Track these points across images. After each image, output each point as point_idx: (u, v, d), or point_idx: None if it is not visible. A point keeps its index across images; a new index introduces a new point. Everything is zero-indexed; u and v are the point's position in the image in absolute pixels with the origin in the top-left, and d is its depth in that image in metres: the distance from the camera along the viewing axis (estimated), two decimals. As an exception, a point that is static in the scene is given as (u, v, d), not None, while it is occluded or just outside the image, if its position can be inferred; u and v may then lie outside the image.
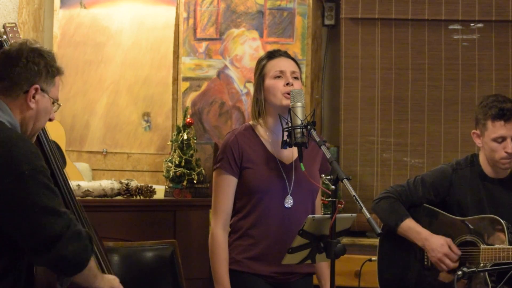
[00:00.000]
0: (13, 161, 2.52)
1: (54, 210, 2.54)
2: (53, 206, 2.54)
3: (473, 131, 3.70)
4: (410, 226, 3.67)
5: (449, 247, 3.60)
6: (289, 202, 3.30)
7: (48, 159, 2.92)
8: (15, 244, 2.57)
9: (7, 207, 2.51)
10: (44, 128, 2.95)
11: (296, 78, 3.32)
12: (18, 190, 2.51)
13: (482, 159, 3.70)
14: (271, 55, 3.38)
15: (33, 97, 2.68)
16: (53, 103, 2.75)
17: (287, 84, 3.27)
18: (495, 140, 3.59)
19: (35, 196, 2.51)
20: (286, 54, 3.39)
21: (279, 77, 3.30)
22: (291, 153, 3.33)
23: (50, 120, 2.80)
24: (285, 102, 3.25)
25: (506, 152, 3.58)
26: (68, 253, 2.53)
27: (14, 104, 2.66)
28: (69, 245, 2.53)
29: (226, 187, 3.30)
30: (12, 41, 4.60)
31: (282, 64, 3.33)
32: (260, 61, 3.39)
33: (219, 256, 3.26)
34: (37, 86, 2.68)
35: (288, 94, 3.24)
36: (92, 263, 2.69)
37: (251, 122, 3.40)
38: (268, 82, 3.31)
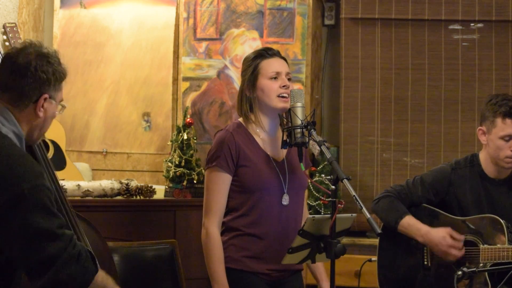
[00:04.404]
0: (13, 179, 2.44)
1: (49, 232, 2.45)
2: (48, 228, 2.45)
3: (478, 128, 3.69)
4: (409, 223, 3.66)
5: (451, 236, 3.59)
6: (286, 199, 3.29)
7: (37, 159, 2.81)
8: (10, 262, 2.50)
9: (3, 226, 2.43)
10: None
11: (289, 79, 3.31)
12: (14, 210, 2.43)
13: (483, 159, 3.69)
14: (265, 53, 3.33)
15: (42, 106, 2.62)
16: (61, 107, 2.72)
17: (284, 86, 3.26)
18: (502, 138, 3.59)
19: (30, 217, 2.43)
20: (279, 54, 3.36)
21: (274, 78, 3.27)
22: (281, 150, 3.32)
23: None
24: (280, 105, 3.25)
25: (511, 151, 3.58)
26: (63, 277, 2.45)
27: (22, 114, 2.59)
28: (65, 269, 2.46)
29: (222, 185, 3.26)
30: (13, 42, 4.61)
31: (277, 65, 3.30)
32: (253, 58, 3.32)
33: (216, 254, 3.23)
34: (46, 95, 2.62)
35: (284, 96, 3.24)
36: (99, 278, 2.57)
37: (240, 119, 3.36)
38: (263, 82, 3.28)
